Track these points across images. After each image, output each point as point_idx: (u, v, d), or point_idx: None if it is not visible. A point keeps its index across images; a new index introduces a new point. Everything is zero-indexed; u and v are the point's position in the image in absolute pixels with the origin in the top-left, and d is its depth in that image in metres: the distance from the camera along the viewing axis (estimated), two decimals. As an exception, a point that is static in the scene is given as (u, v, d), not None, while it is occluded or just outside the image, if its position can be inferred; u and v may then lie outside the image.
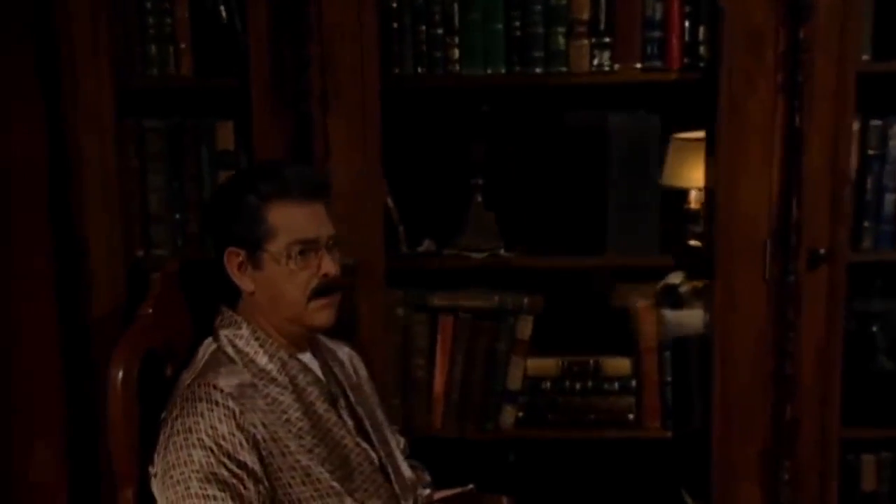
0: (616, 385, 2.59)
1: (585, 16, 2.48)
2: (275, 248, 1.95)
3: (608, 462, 2.74)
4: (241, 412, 1.87)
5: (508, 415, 2.60)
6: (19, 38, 2.49)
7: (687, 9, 2.48)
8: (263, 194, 1.96)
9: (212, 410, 1.85)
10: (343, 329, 2.42)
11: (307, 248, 1.97)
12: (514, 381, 2.59)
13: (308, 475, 1.90)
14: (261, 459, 1.87)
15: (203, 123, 2.55)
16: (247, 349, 1.98)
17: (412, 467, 2.28)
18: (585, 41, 2.49)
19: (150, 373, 2.03)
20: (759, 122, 2.39)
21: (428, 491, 2.20)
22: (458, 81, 2.52)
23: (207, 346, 2.00)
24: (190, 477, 1.82)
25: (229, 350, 1.98)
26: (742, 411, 2.47)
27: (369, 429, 2.07)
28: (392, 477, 2.05)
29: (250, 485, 1.84)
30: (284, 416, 1.93)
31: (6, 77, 2.50)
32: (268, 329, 2.01)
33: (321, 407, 1.99)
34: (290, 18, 2.41)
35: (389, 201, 2.60)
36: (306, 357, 2.06)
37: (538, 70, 2.50)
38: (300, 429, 1.94)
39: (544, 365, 2.61)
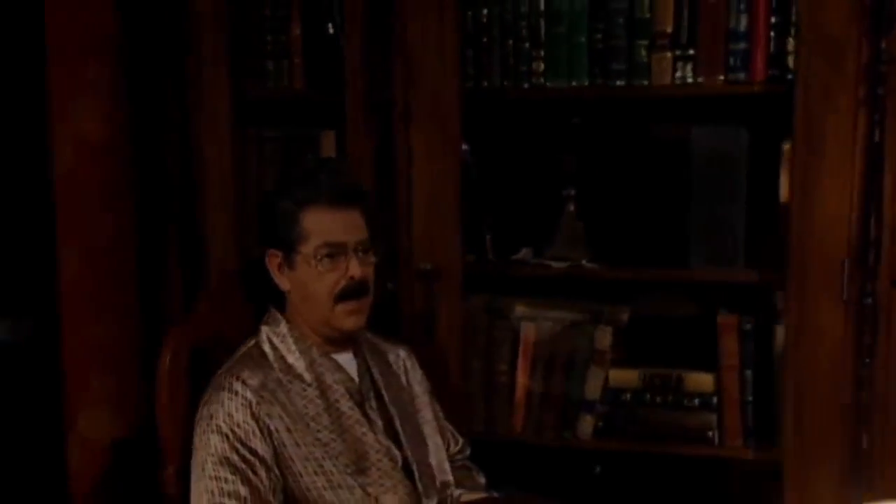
0: (696, 401, 2.55)
1: (669, 28, 2.46)
2: (306, 250, 2.09)
3: (688, 479, 2.69)
4: (258, 403, 2.02)
5: (586, 424, 2.61)
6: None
7: (773, 19, 2.40)
8: (298, 199, 2.10)
9: (231, 399, 2.02)
10: (421, 332, 2.55)
11: (335, 251, 2.09)
12: (593, 391, 2.60)
13: (321, 466, 2.03)
14: (273, 448, 2.01)
15: (310, 133, 2.73)
16: (280, 346, 2.14)
17: (466, 468, 2.36)
18: (668, 53, 2.47)
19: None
20: (839, 137, 2.29)
21: (460, 492, 2.27)
22: (542, 94, 2.56)
23: (248, 342, 2.17)
24: (206, 459, 2.00)
25: (265, 346, 2.14)
26: (817, 439, 2.37)
27: (399, 428, 2.17)
28: (416, 475, 2.14)
29: (261, 471, 1.99)
30: (304, 411, 2.07)
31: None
32: (303, 328, 2.15)
33: (345, 404, 2.11)
34: (378, 34, 2.55)
35: (482, 210, 2.68)
36: (344, 357, 2.18)
37: (620, 83, 2.50)
38: (318, 423, 2.07)
39: (626, 376, 2.60)
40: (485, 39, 2.59)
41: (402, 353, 2.34)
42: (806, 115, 2.31)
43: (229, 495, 1.96)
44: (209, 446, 2.00)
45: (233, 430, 2.00)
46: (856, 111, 2.28)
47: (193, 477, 2.02)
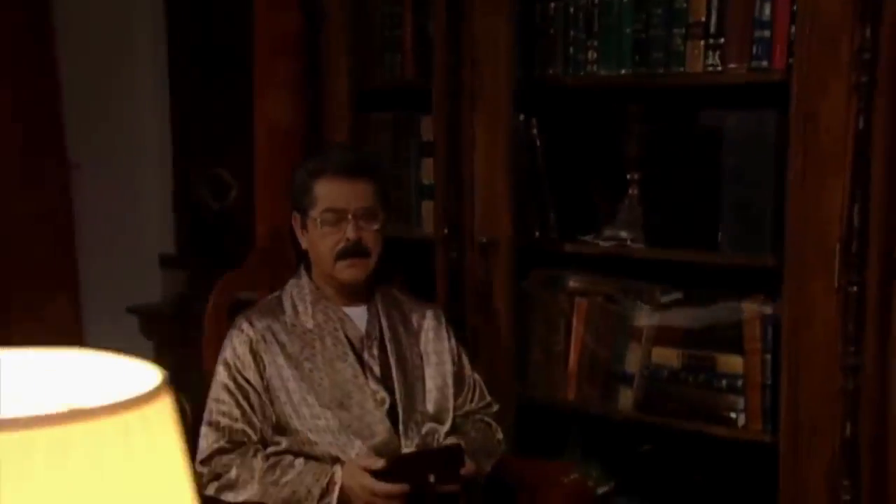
0: (724, 383, 2.60)
1: (702, 17, 2.54)
2: (314, 214, 2.45)
3: (714, 458, 2.73)
4: (258, 341, 2.41)
5: (626, 397, 2.74)
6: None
7: (794, 8, 2.42)
8: (311, 171, 2.47)
9: (238, 337, 2.43)
10: (478, 301, 2.82)
11: (337, 216, 2.42)
12: (632, 366, 2.73)
13: (304, 399, 2.38)
14: (265, 380, 2.39)
15: (412, 118, 3.07)
16: (296, 296, 2.51)
17: (486, 424, 2.58)
18: (701, 42, 2.55)
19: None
20: (832, 124, 2.29)
21: (451, 438, 2.50)
22: (594, 81, 2.73)
23: (275, 292, 2.56)
24: (212, 385, 2.42)
25: (284, 295, 2.52)
26: (810, 425, 2.38)
27: (394, 375, 2.46)
28: (400, 417, 2.42)
29: (252, 397, 2.38)
30: (300, 352, 2.42)
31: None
32: (319, 282, 2.51)
33: (340, 349, 2.44)
34: (455, 30, 2.83)
35: (547, 191, 2.88)
36: (355, 310, 2.50)
37: (659, 70, 2.62)
38: (312, 363, 2.41)
39: (667, 354, 2.69)
40: (551, 31, 2.80)
41: (430, 313, 2.61)
42: (801, 101, 2.33)
43: (223, 414, 2.38)
44: (217, 374, 2.42)
45: (234, 362, 2.41)
46: (848, 98, 2.26)
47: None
